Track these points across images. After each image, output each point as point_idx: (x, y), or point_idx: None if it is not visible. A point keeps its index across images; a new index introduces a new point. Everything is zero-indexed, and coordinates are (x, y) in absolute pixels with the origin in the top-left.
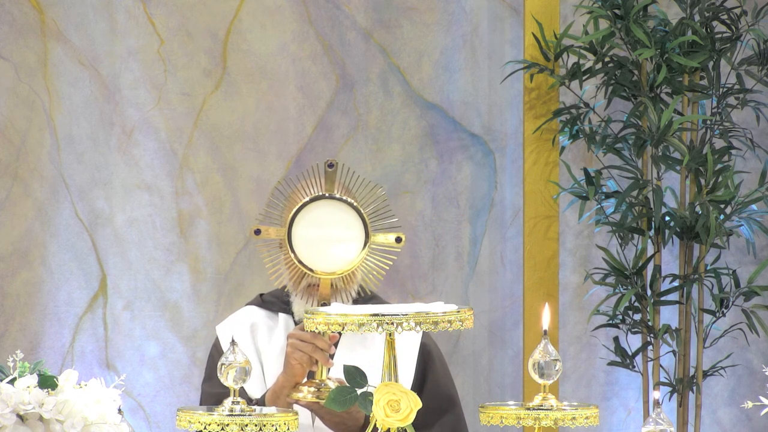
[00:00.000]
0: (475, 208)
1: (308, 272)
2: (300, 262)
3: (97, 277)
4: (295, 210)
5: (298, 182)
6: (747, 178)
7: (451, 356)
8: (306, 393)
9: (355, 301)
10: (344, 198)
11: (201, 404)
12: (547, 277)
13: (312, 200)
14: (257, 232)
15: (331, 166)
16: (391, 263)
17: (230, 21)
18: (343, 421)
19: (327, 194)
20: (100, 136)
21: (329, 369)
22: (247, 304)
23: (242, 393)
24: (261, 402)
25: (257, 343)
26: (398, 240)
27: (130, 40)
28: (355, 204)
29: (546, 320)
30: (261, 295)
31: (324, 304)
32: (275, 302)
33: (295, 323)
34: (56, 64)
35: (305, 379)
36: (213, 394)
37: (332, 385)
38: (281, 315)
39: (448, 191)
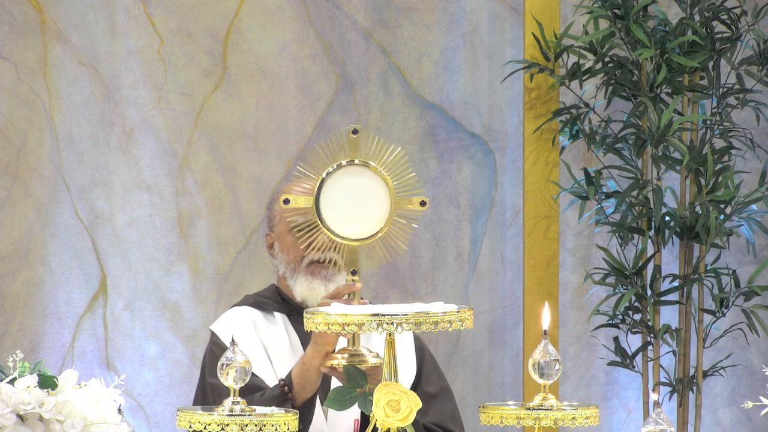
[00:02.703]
0: (475, 208)
1: (337, 239)
2: (329, 229)
3: (97, 277)
4: (322, 177)
5: (321, 150)
6: (747, 178)
7: (451, 356)
8: (340, 359)
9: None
10: (370, 164)
11: (211, 398)
12: (547, 277)
13: (338, 167)
14: (286, 201)
15: (355, 132)
16: (416, 227)
17: (230, 21)
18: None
19: (355, 161)
20: (100, 136)
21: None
22: (237, 305)
23: (257, 387)
24: (288, 380)
25: (262, 339)
26: (422, 204)
27: (130, 40)
28: (380, 169)
29: (546, 320)
30: (249, 296)
31: (354, 272)
32: (268, 302)
33: (290, 310)
34: (56, 64)
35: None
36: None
37: (365, 351)
38: (277, 314)
39: (448, 191)
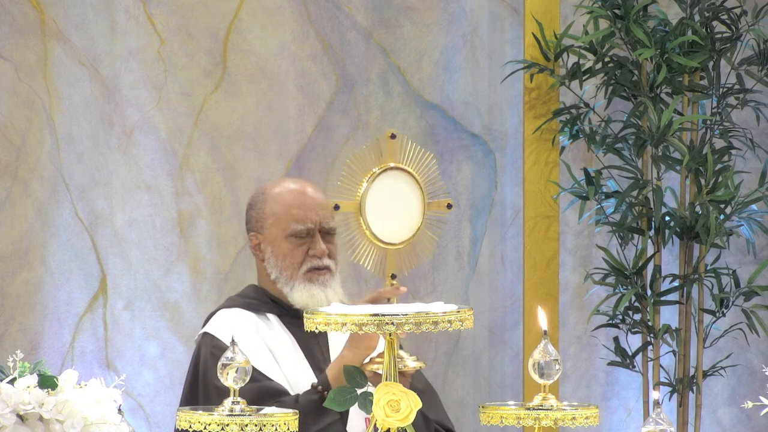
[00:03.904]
0: (475, 208)
1: (379, 244)
2: (373, 234)
3: (97, 277)
4: (366, 182)
5: (359, 155)
6: (747, 178)
7: (451, 356)
8: (379, 365)
9: None
10: (407, 168)
11: (216, 402)
12: (547, 277)
13: (380, 172)
14: (336, 207)
15: (393, 137)
16: (441, 230)
17: (230, 21)
18: None
19: (393, 165)
20: (100, 136)
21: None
22: (226, 308)
23: (277, 390)
24: (324, 383)
25: (266, 341)
26: (449, 206)
27: (130, 40)
28: (414, 174)
29: (543, 323)
30: (235, 298)
31: (393, 276)
32: (259, 304)
33: (281, 311)
34: (56, 64)
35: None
36: (249, 388)
37: (405, 355)
38: (270, 315)
39: (448, 191)
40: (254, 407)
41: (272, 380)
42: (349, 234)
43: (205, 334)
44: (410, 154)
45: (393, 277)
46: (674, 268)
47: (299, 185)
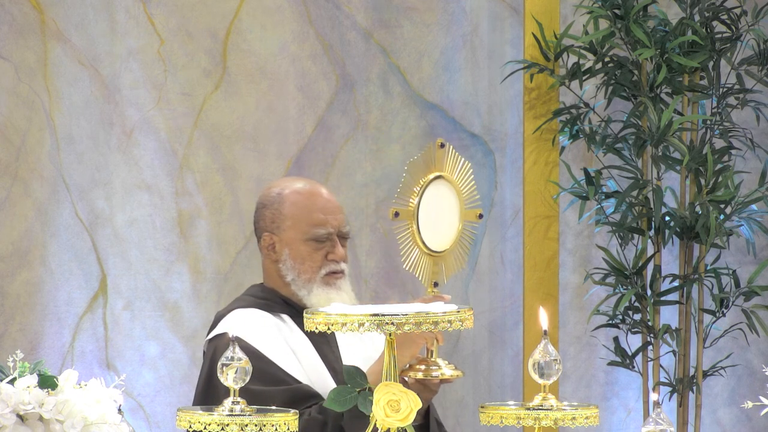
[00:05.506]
0: None
1: (427, 252)
2: (423, 242)
3: (97, 277)
4: (421, 190)
5: (413, 163)
6: (747, 178)
7: (451, 356)
8: (416, 371)
9: None
10: (451, 178)
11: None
12: (547, 277)
13: (430, 181)
14: (397, 214)
15: (442, 146)
16: (473, 238)
17: (230, 21)
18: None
19: (445, 174)
20: (100, 136)
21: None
22: (241, 308)
23: (311, 394)
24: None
25: (288, 342)
26: (480, 216)
27: (130, 40)
28: (457, 183)
29: (544, 323)
30: (247, 297)
31: (436, 284)
32: (273, 304)
33: (293, 311)
34: (56, 64)
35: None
36: (280, 392)
37: (442, 363)
38: (284, 316)
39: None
40: (254, 407)
41: (302, 383)
42: (402, 242)
43: (226, 334)
44: (455, 163)
45: (435, 285)
46: (674, 268)
47: (313, 186)
